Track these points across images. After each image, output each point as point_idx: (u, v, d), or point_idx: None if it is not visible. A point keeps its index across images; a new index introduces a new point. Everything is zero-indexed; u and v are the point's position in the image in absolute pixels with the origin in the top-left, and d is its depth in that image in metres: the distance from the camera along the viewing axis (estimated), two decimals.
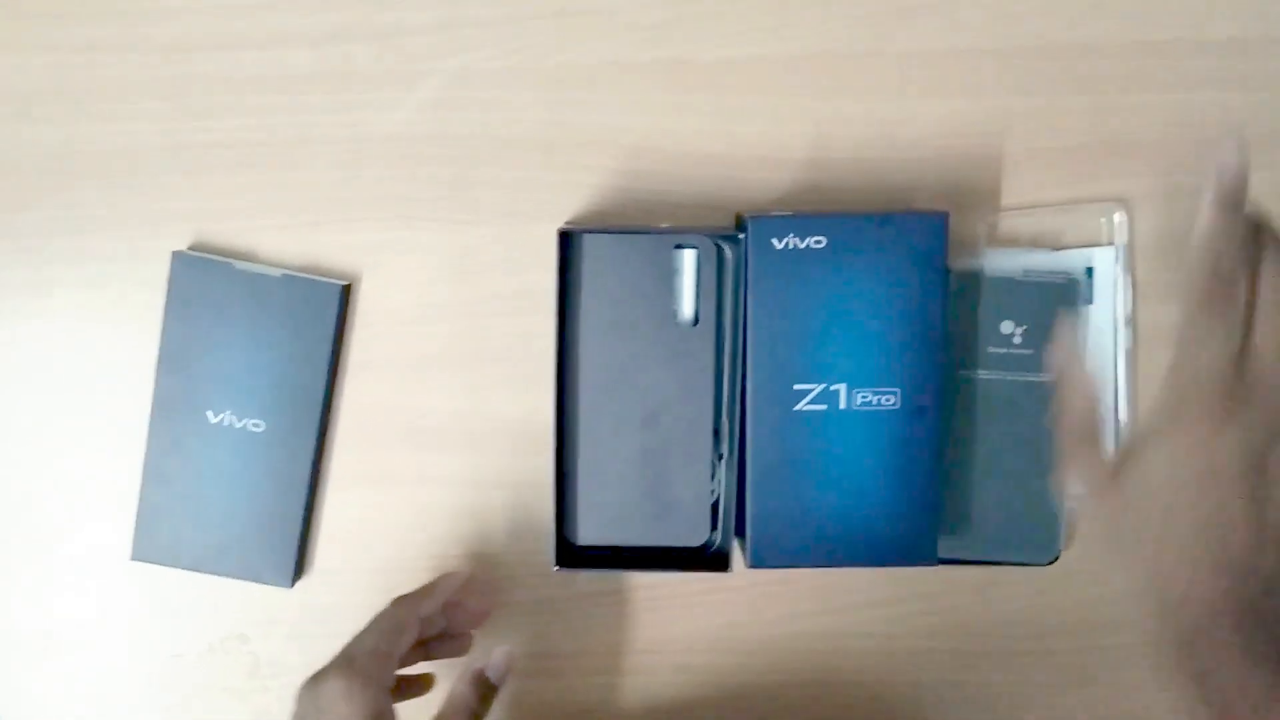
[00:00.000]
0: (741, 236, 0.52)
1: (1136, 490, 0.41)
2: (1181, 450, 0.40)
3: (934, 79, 0.57)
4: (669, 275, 0.53)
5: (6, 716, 0.60)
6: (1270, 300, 0.40)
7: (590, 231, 0.53)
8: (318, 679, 0.48)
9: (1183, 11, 0.56)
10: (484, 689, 0.52)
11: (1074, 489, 0.43)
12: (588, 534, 0.55)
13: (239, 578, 0.58)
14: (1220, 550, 0.39)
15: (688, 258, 0.54)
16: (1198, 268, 0.41)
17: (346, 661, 0.48)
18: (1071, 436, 0.44)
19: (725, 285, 0.54)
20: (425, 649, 0.55)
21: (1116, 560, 0.40)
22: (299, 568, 0.58)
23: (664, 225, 0.55)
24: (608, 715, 0.60)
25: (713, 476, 0.55)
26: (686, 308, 0.54)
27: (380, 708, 0.47)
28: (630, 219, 0.57)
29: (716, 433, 0.54)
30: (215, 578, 0.58)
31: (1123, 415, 0.58)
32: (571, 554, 0.55)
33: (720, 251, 0.54)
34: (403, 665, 0.52)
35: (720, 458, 0.55)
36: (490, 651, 0.52)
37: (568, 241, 0.53)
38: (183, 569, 0.58)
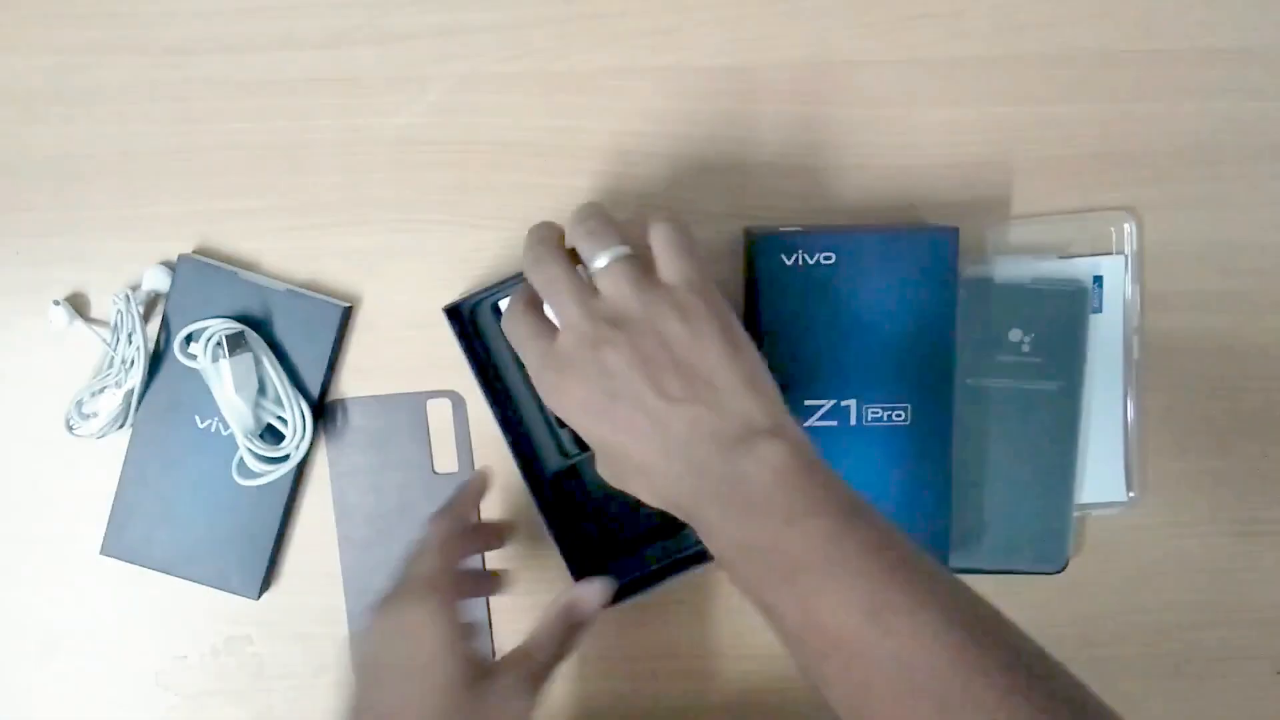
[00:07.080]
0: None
1: None
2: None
3: (942, 87, 0.56)
4: None
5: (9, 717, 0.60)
6: None
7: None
8: (394, 607, 0.45)
9: (1192, 20, 0.56)
10: (573, 622, 0.48)
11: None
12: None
13: (207, 584, 0.57)
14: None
15: None
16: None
17: (418, 585, 0.46)
18: None
19: None
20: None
21: None
22: (267, 580, 0.58)
23: None
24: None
25: None
26: None
27: (460, 628, 0.45)
28: None
29: None
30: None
31: (1131, 424, 0.58)
32: None
33: None
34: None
35: None
36: (583, 585, 0.48)
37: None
38: (151, 569, 0.57)
